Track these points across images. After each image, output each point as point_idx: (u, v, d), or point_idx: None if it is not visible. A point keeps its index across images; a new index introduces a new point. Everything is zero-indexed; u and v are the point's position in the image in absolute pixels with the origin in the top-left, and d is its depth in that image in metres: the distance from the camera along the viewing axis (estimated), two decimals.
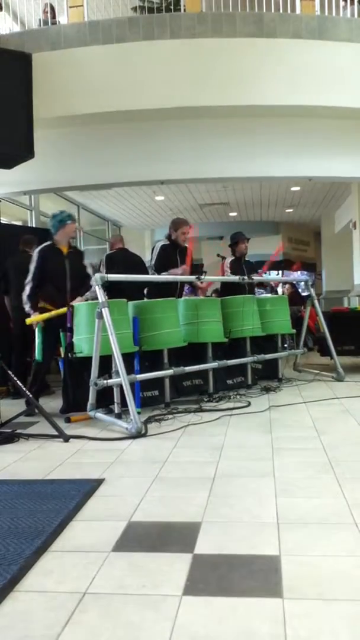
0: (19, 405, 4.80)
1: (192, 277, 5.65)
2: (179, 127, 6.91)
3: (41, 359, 4.86)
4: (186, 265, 5.63)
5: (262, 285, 7.21)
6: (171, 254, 5.69)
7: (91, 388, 4.47)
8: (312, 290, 7.01)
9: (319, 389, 5.80)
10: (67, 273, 4.96)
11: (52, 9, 7.60)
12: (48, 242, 5.02)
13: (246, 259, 6.95)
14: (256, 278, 6.62)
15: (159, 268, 5.61)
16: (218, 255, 7.18)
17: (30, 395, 4.21)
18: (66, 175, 7.35)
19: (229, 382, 5.75)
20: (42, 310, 4.96)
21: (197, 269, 6.19)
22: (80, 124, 6.78)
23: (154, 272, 5.67)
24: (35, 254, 4.97)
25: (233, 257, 6.88)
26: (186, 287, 6.59)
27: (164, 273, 5.57)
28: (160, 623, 1.60)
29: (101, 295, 4.30)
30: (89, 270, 5.14)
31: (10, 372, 4.22)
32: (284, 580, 1.81)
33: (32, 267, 4.91)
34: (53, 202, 10.44)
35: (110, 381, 4.39)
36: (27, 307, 4.88)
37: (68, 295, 4.93)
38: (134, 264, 6.14)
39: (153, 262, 5.73)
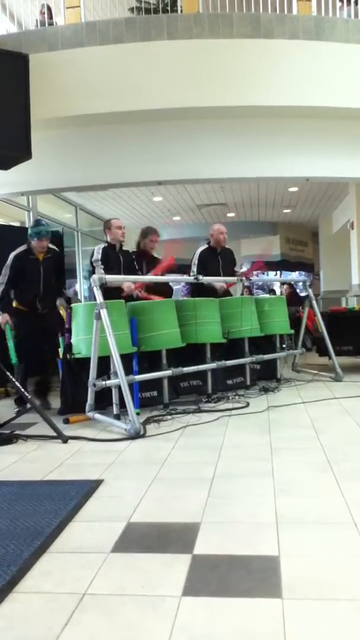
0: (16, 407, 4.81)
1: (190, 278, 5.65)
2: (176, 128, 6.91)
3: (16, 362, 4.85)
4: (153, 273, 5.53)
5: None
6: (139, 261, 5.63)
7: (90, 389, 4.47)
8: (310, 291, 7.01)
9: (318, 389, 5.80)
10: (41, 279, 5.01)
11: (49, 9, 7.60)
12: (24, 247, 5.02)
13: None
14: (255, 279, 6.61)
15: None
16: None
17: (29, 397, 4.21)
18: (64, 176, 7.34)
19: (228, 382, 5.75)
20: (17, 311, 5.02)
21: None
22: (77, 125, 6.77)
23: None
24: (10, 257, 4.98)
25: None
26: (184, 288, 6.58)
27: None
28: (159, 624, 1.60)
29: (99, 297, 4.30)
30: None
31: (9, 374, 4.22)
32: (283, 581, 1.81)
33: (5, 269, 4.94)
34: (51, 203, 10.44)
35: (108, 382, 4.39)
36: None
37: (39, 299, 4.98)
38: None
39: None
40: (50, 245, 5.12)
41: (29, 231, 5.08)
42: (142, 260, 5.68)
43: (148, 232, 5.84)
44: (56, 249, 5.27)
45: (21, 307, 5.06)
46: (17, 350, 4.87)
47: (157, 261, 5.77)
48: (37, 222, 5.15)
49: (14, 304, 5.07)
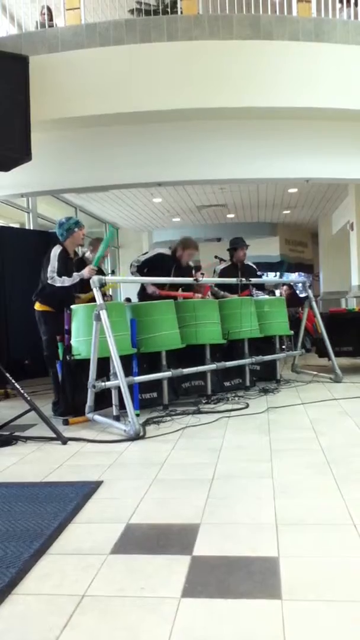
0: (16, 408, 4.80)
1: (190, 279, 5.66)
2: (176, 129, 6.92)
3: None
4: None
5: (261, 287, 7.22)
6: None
7: (89, 390, 4.47)
8: (310, 292, 7.01)
9: (317, 390, 5.81)
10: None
11: (50, 11, 7.60)
12: (61, 248, 4.95)
13: (246, 262, 6.94)
14: (254, 280, 6.62)
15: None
16: (216, 257, 7.19)
17: (29, 398, 4.20)
18: (64, 177, 7.34)
19: (227, 383, 5.75)
20: (43, 313, 4.95)
21: (195, 270, 6.18)
22: (77, 126, 6.78)
23: None
24: (56, 251, 4.88)
25: (229, 264, 6.86)
26: None
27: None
28: (159, 625, 1.60)
29: (99, 298, 4.30)
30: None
31: (8, 375, 4.21)
32: (282, 582, 1.81)
33: (52, 262, 4.83)
34: (51, 204, 10.45)
35: (108, 383, 4.39)
36: (67, 281, 4.80)
37: (67, 301, 4.92)
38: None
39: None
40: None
41: (65, 226, 4.99)
42: (172, 265, 5.70)
43: (188, 246, 5.81)
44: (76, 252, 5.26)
45: (47, 308, 4.95)
46: (50, 353, 4.92)
47: (187, 269, 5.83)
48: (62, 222, 5.08)
49: (38, 307, 4.97)
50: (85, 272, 4.84)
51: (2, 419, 4.25)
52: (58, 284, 4.79)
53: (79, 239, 5.08)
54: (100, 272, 4.97)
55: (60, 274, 4.80)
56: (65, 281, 4.79)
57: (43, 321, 4.98)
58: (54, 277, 4.79)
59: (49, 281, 4.80)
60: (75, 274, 4.85)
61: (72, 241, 5.02)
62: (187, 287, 5.95)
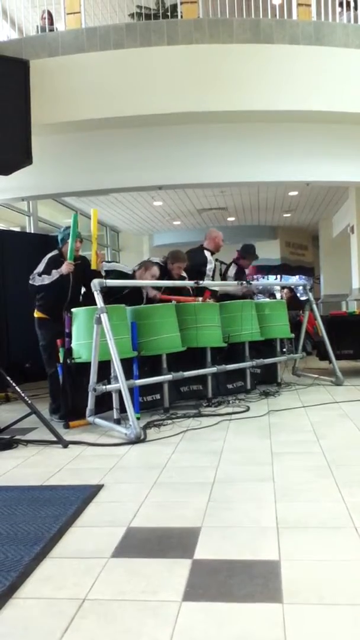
0: (17, 412, 4.79)
1: (191, 282, 5.66)
2: (176, 133, 6.93)
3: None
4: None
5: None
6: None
7: (90, 393, 4.47)
8: (311, 295, 7.01)
9: (318, 393, 5.80)
10: (70, 286, 4.97)
11: (50, 15, 7.63)
12: (56, 252, 5.02)
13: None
14: (255, 283, 6.64)
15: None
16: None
17: (30, 402, 4.20)
18: (64, 181, 7.36)
19: (228, 386, 5.74)
20: (39, 320, 5.02)
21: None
22: (78, 130, 6.79)
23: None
24: (46, 258, 4.95)
25: (237, 268, 6.94)
26: None
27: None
28: (160, 629, 1.60)
29: (99, 301, 4.31)
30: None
31: (8, 378, 4.21)
32: (284, 585, 1.81)
33: (43, 265, 4.89)
34: (51, 208, 10.46)
35: (109, 386, 4.39)
36: (47, 278, 4.82)
37: (65, 305, 4.93)
38: None
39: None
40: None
41: (61, 235, 5.06)
42: (164, 276, 5.70)
43: (177, 259, 5.79)
44: (85, 256, 5.23)
45: (43, 315, 5.02)
46: (48, 358, 4.98)
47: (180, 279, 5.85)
48: (67, 227, 5.12)
49: (35, 314, 5.05)
50: (63, 268, 4.83)
51: (2, 423, 4.25)
52: (37, 283, 4.84)
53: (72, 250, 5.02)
54: (98, 274, 4.97)
55: (41, 274, 4.85)
56: (45, 279, 4.81)
57: (39, 328, 5.07)
58: (34, 277, 4.85)
59: (30, 281, 4.87)
60: (54, 271, 4.83)
61: (66, 250, 5.00)
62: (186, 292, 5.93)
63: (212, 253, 6.58)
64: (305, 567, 1.94)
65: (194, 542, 2.17)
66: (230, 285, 6.51)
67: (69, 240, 4.92)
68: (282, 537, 2.18)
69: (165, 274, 5.74)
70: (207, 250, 6.56)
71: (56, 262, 4.93)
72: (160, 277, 5.59)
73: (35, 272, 4.90)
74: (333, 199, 12.22)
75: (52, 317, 4.95)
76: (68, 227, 5.11)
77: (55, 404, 4.97)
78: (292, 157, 7.07)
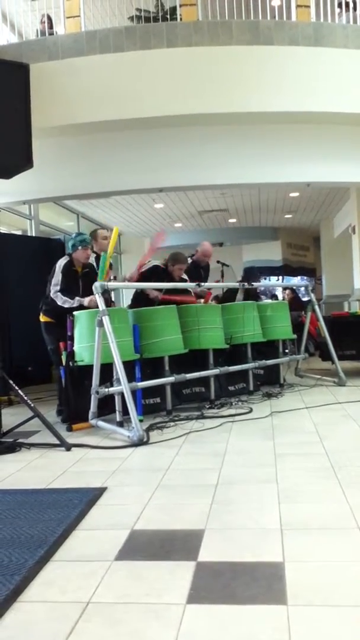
0: (19, 415, 4.79)
1: (192, 284, 5.66)
2: (177, 135, 6.94)
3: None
4: None
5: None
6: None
7: (92, 396, 4.47)
8: (313, 296, 7.00)
9: (321, 394, 5.79)
10: (80, 294, 4.94)
11: (50, 19, 7.64)
12: (67, 259, 5.02)
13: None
14: (256, 284, 6.62)
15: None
16: (218, 261, 7.19)
17: (32, 405, 4.20)
18: (65, 184, 7.37)
19: (231, 388, 5.74)
20: (45, 324, 5.06)
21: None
22: (78, 133, 6.80)
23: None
24: (60, 264, 4.96)
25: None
26: None
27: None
28: (164, 632, 1.60)
29: (101, 304, 4.31)
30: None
31: (11, 382, 4.22)
32: (288, 587, 1.80)
33: (56, 276, 4.90)
34: (52, 211, 10.47)
35: (111, 389, 4.39)
36: (68, 302, 4.83)
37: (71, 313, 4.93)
38: None
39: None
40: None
41: (72, 242, 5.06)
42: (165, 278, 5.67)
43: (177, 261, 5.78)
44: (92, 264, 5.23)
45: (49, 319, 5.05)
46: (56, 361, 5.00)
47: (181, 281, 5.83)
48: (80, 233, 5.15)
49: (42, 318, 5.09)
50: (86, 300, 4.80)
51: (5, 426, 4.25)
52: (59, 303, 4.86)
53: (81, 258, 5.03)
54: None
55: (63, 290, 4.86)
56: (66, 303, 4.84)
57: (46, 332, 5.10)
58: (57, 294, 4.86)
59: (52, 295, 4.89)
60: (77, 298, 4.85)
61: (76, 257, 5.03)
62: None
63: (199, 264, 6.52)
64: (309, 569, 1.94)
65: (198, 545, 2.16)
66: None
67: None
68: (286, 538, 2.18)
69: (166, 275, 5.74)
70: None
71: (69, 273, 4.94)
72: (162, 279, 5.59)
73: (54, 283, 4.88)
74: (334, 200, 12.22)
75: (57, 322, 4.97)
76: (79, 234, 5.17)
77: (61, 406, 4.99)
78: (292, 158, 7.07)
